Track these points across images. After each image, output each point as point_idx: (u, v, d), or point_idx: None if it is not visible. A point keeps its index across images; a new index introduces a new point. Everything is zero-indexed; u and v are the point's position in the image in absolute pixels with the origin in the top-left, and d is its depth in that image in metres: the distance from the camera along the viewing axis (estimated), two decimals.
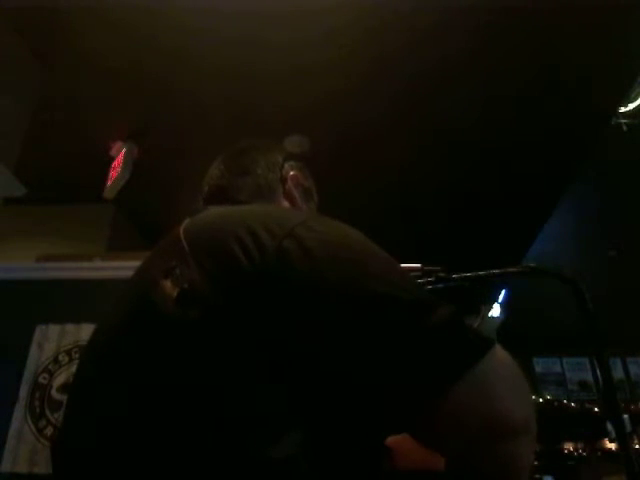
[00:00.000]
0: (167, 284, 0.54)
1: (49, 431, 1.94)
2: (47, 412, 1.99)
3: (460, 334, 0.50)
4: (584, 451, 5.57)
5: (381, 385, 0.48)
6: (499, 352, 0.50)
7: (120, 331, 0.59)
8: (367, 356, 0.48)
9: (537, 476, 4.88)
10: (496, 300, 5.60)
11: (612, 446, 5.37)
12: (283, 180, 0.86)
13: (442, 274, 0.93)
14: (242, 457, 0.47)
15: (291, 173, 0.88)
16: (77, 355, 2.04)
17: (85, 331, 1.97)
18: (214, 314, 0.50)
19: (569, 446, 5.64)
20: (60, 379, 2.05)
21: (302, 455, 0.47)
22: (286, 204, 0.85)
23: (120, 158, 2.96)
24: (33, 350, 2.10)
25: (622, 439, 0.91)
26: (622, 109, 3.06)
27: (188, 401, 0.49)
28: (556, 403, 5.93)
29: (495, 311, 5.66)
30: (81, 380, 0.64)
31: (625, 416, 4.76)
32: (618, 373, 6.49)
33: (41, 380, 2.05)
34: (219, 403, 0.48)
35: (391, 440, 0.76)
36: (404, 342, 0.48)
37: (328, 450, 0.50)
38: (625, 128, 3.15)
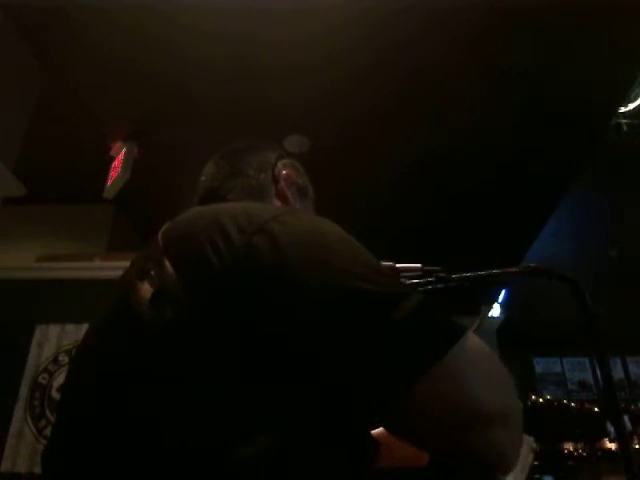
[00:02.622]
0: (143, 286, 0.54)
1: (49, 431, 1.94)
2: (47, 412, 1.99)
3: (429, 324, 0.49)
4: (584, 451, 5.57)
5: (349, 379, 0.48)
6: (471, 340, 0.50)
7: (101, 334, 0.60)
8: (334, 350, 0.48)
9: (537, 476, 4.88)
10: (496, 300, 5.61)
11: (612, 446, 5.37)
12: (275, 180, 0.86)
13: (442, 274, 0.92)
14: (213, 456, 0.47)
15: (284, 172, 0.87)
16: None
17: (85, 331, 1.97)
18: (186, 314, 0.50)
19: (569, 446, 5.64)
20: (60, 379, 2.05)
21: (274, 453, 0.47)
22: (278, 203, 0.84)
23: (120, 158, 2.96)
24: (33, 350, 2.10)
25: (622, 439, 0.91)
26: (622, 109, 3.06)
27: (163, 401, 0.49)
28: (556, 403, 5.93)
29: (495, 311, 5.67)
30: (69, 385, 0.65)
31: (625, 416, 4.76)
32: (618, 373, 6.49)
33: (41, 380, 2.05)
34: (192, 402, 0.48)
35: (379, 433, 0.76)
36: (371, 334, 0.47)
37: (303, 447, 0.50)
38: (625, 128, 3.15)
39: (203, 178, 0.87)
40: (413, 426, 0.49)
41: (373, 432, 0.75)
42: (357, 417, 0.52)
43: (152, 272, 0.55)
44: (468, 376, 0.48)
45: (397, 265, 0.92)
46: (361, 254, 0.55)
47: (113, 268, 2.02)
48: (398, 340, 0.47)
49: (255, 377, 0.48)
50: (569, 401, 6.07)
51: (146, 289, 0.54)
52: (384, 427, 0.53)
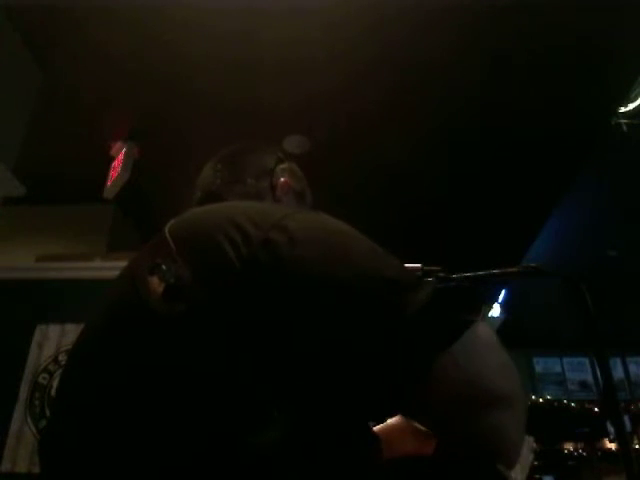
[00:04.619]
0: (153, 280, 0.54)
1: None
2: (47, 412, 1.99)
3: (444, 311, 0.52)
4: (584, 451, 5.57)
5: (367, 364, 0.50)
6: (482, 329, 0.52)
7: (107, 329, 0.60)
8: (352, 337, 0.49)
9: (537, 476, 4.88)
10: (496, 300, 5.61)
11: (612, 446, 5.37)
12: (273, 187, 0.87)
13: (442, 274, 0.92)
14: (226, 444, 0.47)
15: (281, 180, 0.88)
16: None
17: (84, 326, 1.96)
18: (201, 307, 0.51)
19: (569, 446, 5.64)
20: None
21: (287, 441, 0.48)
22: None
23: (120, 158, 2.96)
24: (33, 350, 2.10)
25: (622, 439, 0.90)
26: (622, 109, 3.06)
27: (174, 395, 0.49)
28: (556, 403, 5.93)
29: (495, 311, 5.67)
30: (68, 381, 0.64)
31: (625, 416, 4.76)
32: (618, 373, 6.49)
33: (41, 380, 2.05)
34: (204, 394, 0.49)
35: (379, 429, 0.76)
36: (390, 319, 0.49)
37: (315, 435, 0.50)
38: (625, 128, 3.15)
39: (200, 182, 0.88)
40: (428, 405, 0.50)
41: (375, 429, 0.75)
42: (373, 400, 0.53)
43: (163, 267, 0.55)
44: (481, 359, 0.50)
45: None
46: (374, 247, 0.57)
47: (113, 268, 2.01)
48: (417, 323, 0.50)
49: (267, 371, 0.49)
50: (569, 401, 6.07)
51: (157, 283, 0.54)
52: (400, 412, 0.54)
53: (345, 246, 0.55)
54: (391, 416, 0.75)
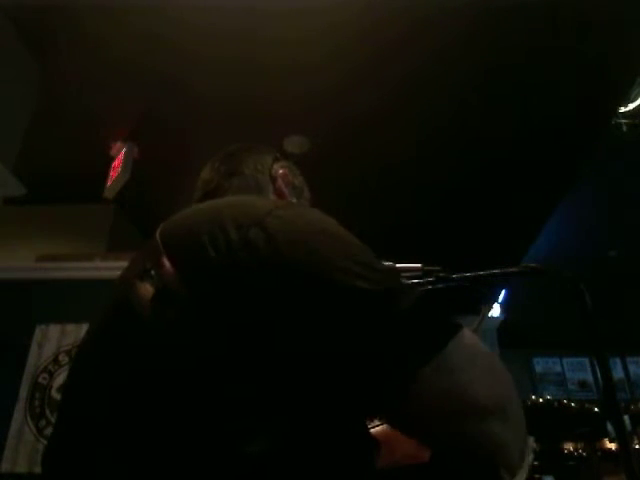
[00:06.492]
0: (143, 285, 0.55)
1: (49, 431, 1.94)
2: (47, 412, 1.99)
3: (427, 319, 0.50)
4: (584, 451, 5.57)
5: (349, 373, 0.49)
6: (467, 337, 0.51)
7: (102, 335, 0.60)
8: (334, 345, 0.48)
9: (537, 476, 4.88)
10: (496, 300, 5.61)
11: (612, 446, 5.37)
12: (273, 179, 0.86)
13: (442, 274, 0.92)
14: (219, 451, 0.47)
15: (280, 172, 0.88)
16: None
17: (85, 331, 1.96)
18: (189, 311, 0.50)
19: (569, 446, 5.63)
20: (60, 379, 2.05)
21: (279, 449, 0.47)
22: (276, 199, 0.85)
23: (120, 158, 2.96)
24: (33, 350, 2.10)
25: (622, 439, 0.90)
26: (622, 109, 3.06)
27: (165, 401, 0.49)
28: (556, 403, 5.93)
29: (495, 311, 5.67)
30: (70, 386, 0.65)
31: (625, 416, 4.76)
32: (618, 373, 6.50)
33: (41, 380, 2.05)
34: (195, 401, 0.48)
35: (379, 431, 0.76)
36: (371, 330, 0.48)
37: (307, 445, 0.50)
38: (625, 128, 3.15)
39: (200, 181, 0.88)
40: (413, 418, 0.49)
41: (374, 431, 0.75)
42: (358, 412, 0.52)
43: (152, 272, 0.55)
44: (465, 369, 0.49)
45: (397, 265, 0.92)
46: (358, 250, 0.55)
47: (113, 268, 2.02)
48: (398, 335, 0.48)
49: (256, 373, 0.48)
50: (569, 401, 6.07)
51: (146, 289, 0.54)
52: (386, 422, 0.53)
53: (328, 249, 0.53)
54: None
